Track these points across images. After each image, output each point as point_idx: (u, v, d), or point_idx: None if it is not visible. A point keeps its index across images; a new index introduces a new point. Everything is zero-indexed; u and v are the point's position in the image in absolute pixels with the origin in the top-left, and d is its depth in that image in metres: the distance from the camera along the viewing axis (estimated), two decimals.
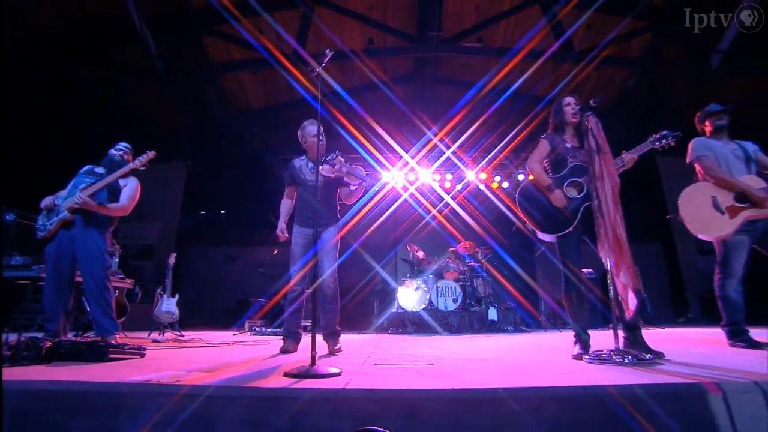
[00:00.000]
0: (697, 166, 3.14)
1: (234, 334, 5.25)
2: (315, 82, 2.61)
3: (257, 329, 5.77)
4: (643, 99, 7.19)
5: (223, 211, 8.30)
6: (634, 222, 9.00)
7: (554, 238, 2.76)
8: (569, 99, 2.99)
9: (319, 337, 2.71)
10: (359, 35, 6.84)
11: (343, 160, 3.03)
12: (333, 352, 2.89)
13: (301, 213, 3.08)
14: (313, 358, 1.82)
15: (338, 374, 1.73)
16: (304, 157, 3.22)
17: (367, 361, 2.35)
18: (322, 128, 2.79)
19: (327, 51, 2.53)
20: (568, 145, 2.94)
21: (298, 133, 3.17)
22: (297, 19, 6.08)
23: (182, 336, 4.53)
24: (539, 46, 6.66)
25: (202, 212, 8.55)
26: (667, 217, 4.97)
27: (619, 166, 2.80)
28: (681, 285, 7.60)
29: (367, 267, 7.03)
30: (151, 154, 3.17)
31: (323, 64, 2.59)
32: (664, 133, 2.88)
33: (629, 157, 2.85)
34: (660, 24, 6.07)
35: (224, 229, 8.40)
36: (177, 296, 5.01)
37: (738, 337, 2.84)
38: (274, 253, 6.44)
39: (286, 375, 1.70)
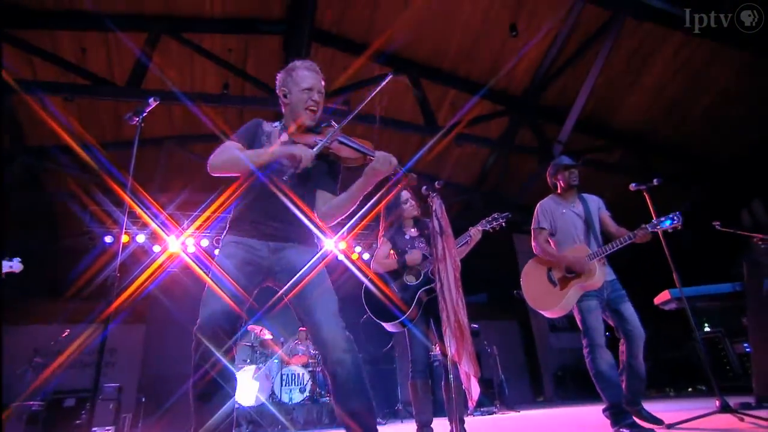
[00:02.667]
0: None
1: None
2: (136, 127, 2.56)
3: None
4: (499, 177, 8.25)
5: None
6: (493, 299, 10.05)
7: (397, 327, 3.00)
8: (405, 194, 3.33)
9: None
10: (214, 78, 6.70)
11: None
12: None
13: (252, 214, 1.96)
14: None
15: None
16: (278, 123, 2.16)
17: None
18: (322, 83, 2.13)
19: (150, 100, 2.48)
20: (407, 237, 3.28)
21: (279, 79, 2.15)
22: (140, 44, 5.72)
23: None
24: (406, 116, 7.36)
25: None
26: (513, 293, 5.52)
27: (465, 240, 3.16)
28: (536, 362, 8.41)
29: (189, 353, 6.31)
30: None
31: (144, 113, 2.51)
32: (494, 215, 3.30)
33: (475, 231, 3.21)
34: (515, 109, 7.19)
35: None
36: None
37: (620, 421, 2.72)
38: (64, 335, 5.37)
39: None
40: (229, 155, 1.92)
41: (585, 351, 2.91)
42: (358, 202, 1.98)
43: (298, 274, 1.88)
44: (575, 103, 6.33)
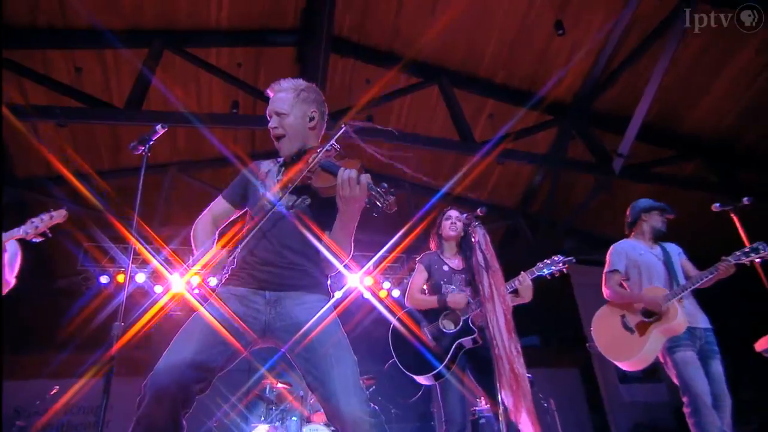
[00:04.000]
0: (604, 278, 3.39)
1: None
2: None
3: None
4: (548, 198, 7.98)
5: None
6: (547, 342, 9.63)
7: (430, 380, 2.92)
8: (450, 212, 3.33)
9: None
10: (222, 96, 6.79)
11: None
12: None
13: (245, 258, 1.94)
14: None
15: None
16: (279, 159, 2.15)
17: None
18: (282, 103, 2.08)
19: (158, 127, 2.52)
20: (446, 268, 3.20)
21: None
22: (140, 61, 5.84)
23: None
24: (436, 131, 7.23)
25: None
26: (586, 346, 5.22)
27: (511, 287, 3.05)
28: (604, 419, 7.89)
29: (203, 408, 6.20)
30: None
31: (151, 141, 2.54)
32: (554, 258, 3.07)
33: (524, 277, 3.08)
34: (564, 119, 6.98)
35: None
36: None
37: None
38: (52, 392, 5.31)
39: None
40: (196, 229, 2.12)
41: (687, 411, 2.82)
42: (347, 242, 1.90)
43: (300, 332, 1.76)
44: (638, 109, 6.02)
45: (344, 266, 2.00)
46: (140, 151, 2.53)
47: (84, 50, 5.71)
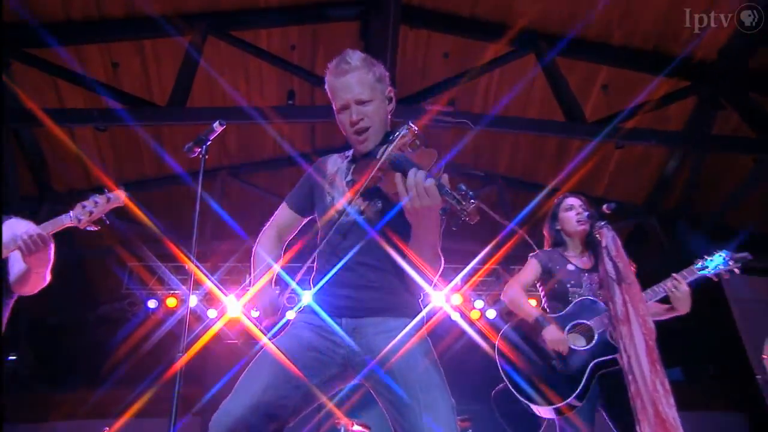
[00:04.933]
0: None
1: None
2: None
3: None
4: (688, 188, 7.41)
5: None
6: (694, 376, 8.91)
7: (552, 413, 2.75)
8: (572, 200, 3.21)
9: None
10: (275, 86, 6.92)
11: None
12: None
13: (320, 281, 1.95)
14: None
15: None
16: (348, 153, 2.11)
17: None
18: (362, 88, 1.95)
19: (216, 124, 2.57)
20: (571, 267, 3.08)
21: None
22: (181, 51, 6.07)
23: None
24: (534, 113, 6.96)
25: None
26: (757, 379, 4.89)
27: (660, 293, 2.86)
28: None
29: None
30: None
31: (208, 141, 2.61)
32: (724, 255, 2.79)
33: (677, 284, 2.79)
34: (707, 84, 6.39)
35: None
36: None
37: None
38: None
39: None
40: (257, 246, 2.09)
41: None
42: (431, 256, 1.78)
43: (383, 367, 1.71)
44: None
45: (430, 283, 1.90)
46: (196, 154, 2.57)
47: (121, 42, 6.01)
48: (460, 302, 7.49)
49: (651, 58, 6.34)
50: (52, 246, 2.66)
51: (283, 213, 2.14)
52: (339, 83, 1.93)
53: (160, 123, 6.37)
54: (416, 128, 1.80)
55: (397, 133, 1.78)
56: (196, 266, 6.50)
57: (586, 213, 3.08)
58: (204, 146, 2.55)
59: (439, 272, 1.84)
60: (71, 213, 2.65)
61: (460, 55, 6.72)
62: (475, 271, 7.48)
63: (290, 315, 2.10)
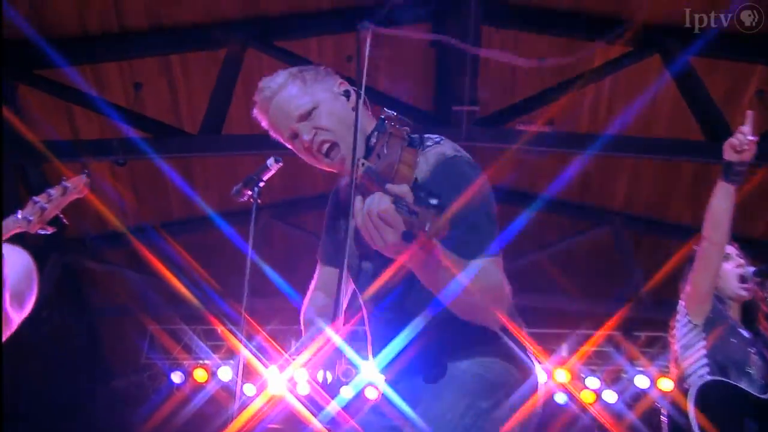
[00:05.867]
0: None
1: None
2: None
3: None
4: None
5: None
6: None
7: None
8: (729, 249, 3.15)
9: None
10: None
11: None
12: None
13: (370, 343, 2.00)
14: None
15: None
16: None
17: None
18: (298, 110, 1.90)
19: (270, 161, 2.58)
20: (746, 334, 3.07)
21: None
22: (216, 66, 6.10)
23: None
24: (660, 131, 6.74)
25: None
26: None
27: None
28: None
29: None
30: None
31: (262, 182, 2.59)
32: None
33: None
34: None
35: None
36: None
37: None
38: None
39: None
40: (303, 307, 2.07)
41: None
42: (445, 295, 1.51)
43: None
44: None
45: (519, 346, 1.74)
46: (246, 197, 2.56)
47: (144, 58, 6.10)
48: (568, 379, 7.27)
49: None
50: (33, 274, 2.50)
51: (319, 273, 2.15)
52: (272, 113, 1.89)
53: (190, 155, 6.31)
54: (393, 114, 1.63)
55: (374, 137, 1.68)
56: (229, 330, 6.33)
57: (752, 269, 3.05)
58: (256, 188, 2.54)
59: (497, 321, 1.63)
60: (19, 213, 2.56)
61: (558, 59, 6.42)
62: (586, 338, 7.25)
63: (345, 392, 2.00)
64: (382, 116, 1.62)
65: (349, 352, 1.85)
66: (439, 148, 1.70)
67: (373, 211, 1.29)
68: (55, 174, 6.17)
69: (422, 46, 6.51)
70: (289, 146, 1.92)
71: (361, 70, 1.69)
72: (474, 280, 1.42)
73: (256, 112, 1.96)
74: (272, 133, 1.96)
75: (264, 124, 1.95)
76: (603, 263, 7.65)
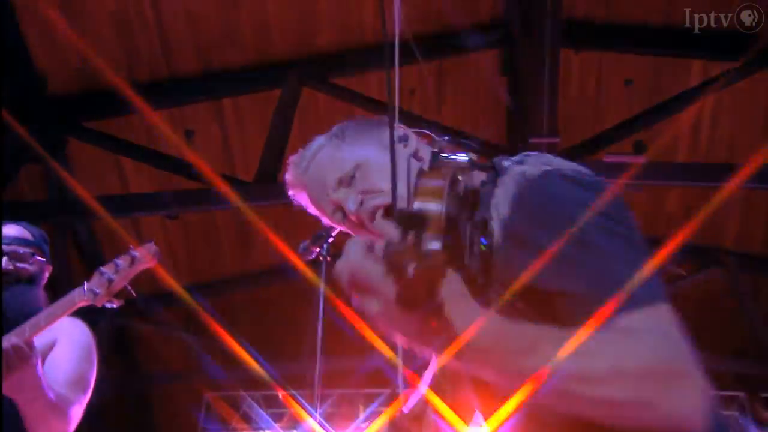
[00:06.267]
0: None
1: None
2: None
3: None
4: None
5: None
6: None
7: None
8: None
9: None
10: None
11: None
12: None
13: None
14: None
15: None
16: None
17: None
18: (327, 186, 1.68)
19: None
20: None
21: None
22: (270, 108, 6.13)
23: None
24: None
25: None
26: None
27: None
28: None
29: None
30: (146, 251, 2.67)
31: (331, 237, 2.91)
32: None
33: None
34: None
35: None
36: None
37: None
38: None
39: None
40: None
41: None
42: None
43: None
44: None
45: None
46: (315, 255, 2.77)
47: (195, 104, 6.25)
48: None
49: None
50: (38, 363, 2.35)
51: None
52: (309, 187, 1.63)
53: (247, 204, 6.35)
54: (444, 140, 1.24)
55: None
56: (292, 395, 6.19)
57: None
58: (325, 245, 2.73)
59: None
60: (85, 285, 2.45)
61: (648, 80, 6.43)
62: None
63: None
64: (435, 149, 1.25)
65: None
66: (519, 168, 1.26)
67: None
68: (104, 231, 6.29)
69: (492, 73, 6.45)
70: (340, 228, 1.64)
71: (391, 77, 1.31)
72: (602, 362, 0.87)
73: (291, 193, 1.70)
74: (316, 214, 1.69)
75: (303, 204, 1.70)
76: (715, 310, 7.22)
